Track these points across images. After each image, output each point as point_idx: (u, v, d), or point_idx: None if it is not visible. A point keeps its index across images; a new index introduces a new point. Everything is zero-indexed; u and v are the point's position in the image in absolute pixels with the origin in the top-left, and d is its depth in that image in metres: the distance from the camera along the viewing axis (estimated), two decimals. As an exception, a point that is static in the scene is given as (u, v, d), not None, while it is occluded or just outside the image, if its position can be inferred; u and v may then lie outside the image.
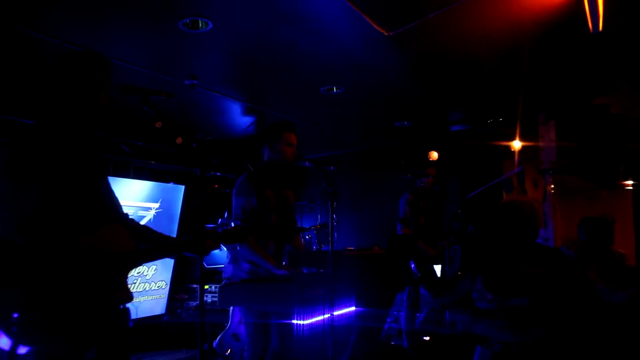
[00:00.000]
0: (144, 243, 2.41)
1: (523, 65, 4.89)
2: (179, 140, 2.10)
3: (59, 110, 2.14)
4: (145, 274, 6.82)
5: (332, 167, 3.39)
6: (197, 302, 6.53)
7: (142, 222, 5.41)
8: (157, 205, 7.03)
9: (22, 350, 1.83)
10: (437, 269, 5.78)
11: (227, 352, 5.56)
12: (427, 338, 4.71)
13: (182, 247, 2.28)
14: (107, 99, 2.19)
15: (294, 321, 3.21)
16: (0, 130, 4.89)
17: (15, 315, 1.73)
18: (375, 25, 3.70)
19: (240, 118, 6.13)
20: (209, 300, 6.41)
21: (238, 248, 3.44)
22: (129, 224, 2.44)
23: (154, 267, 6.93)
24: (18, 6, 3.27)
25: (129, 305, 2.28)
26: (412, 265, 5.51)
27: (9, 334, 1.77)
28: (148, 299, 6.91)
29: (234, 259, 3.61)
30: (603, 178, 5.20)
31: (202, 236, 2.39)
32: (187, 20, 3.59)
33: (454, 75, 4.98)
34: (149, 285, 6.93)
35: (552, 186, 5.67)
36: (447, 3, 3.56)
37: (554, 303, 2.44)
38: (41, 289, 1.94)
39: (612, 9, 3.84)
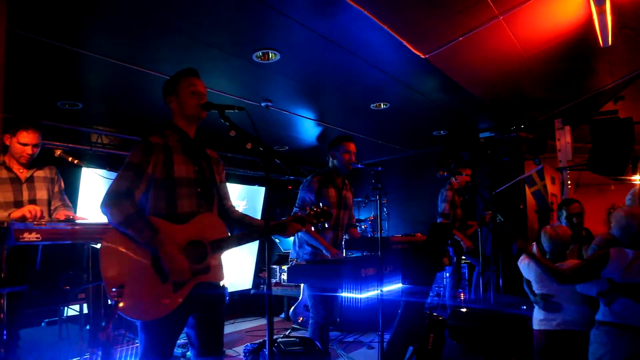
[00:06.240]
0: (239, 229, 2.33)
1: (540, 79, 4.58)
2: (249, 145, 2.00)
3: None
4: (237, 257, 6.88)
5: (380, 168, 3.25)
6: (275, 280, 6.52)
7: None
8: (244, 202, 7.09)
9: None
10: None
11: (299, 320, 5.49)
12: (464, 310, 4.46)
13: (271, 230, 2.17)
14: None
15: (350, 295, 3.07)
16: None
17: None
18: (412, 49, 3.51)
19: (305, 132, 6.06)
20: (285, 278, 6.34)
21: (300, 234, 3.35)
22: (229, 212, 2.37)
23: (245, 251, 6.99)
24: (144, 54, 3.47)
25: (223, 282, 2.21)
26: (451, 251, 5.27)
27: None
28: (239, 277, 6.97)
29: (299, 243, 3.54)
30: (614, 174, 4.79)
31: (288, 220, 2.29)
32: (260, 53, 3.55)
33: (480, 91, 4.69)
34: (240, 266, 7.00)
35: (569, 182, 5.32)
36: (471, 29, 3.35)
37: None
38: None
39: (618, 24, 3.51)
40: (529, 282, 3.29)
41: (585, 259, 2.86)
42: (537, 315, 3.19)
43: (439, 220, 5.28)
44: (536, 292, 3.20)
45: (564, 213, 3.63)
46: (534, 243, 3.46)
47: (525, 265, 3.26)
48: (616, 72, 4.80)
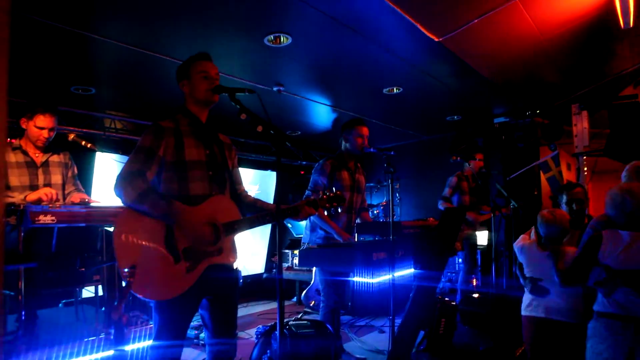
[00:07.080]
0: (251, 213, 2.32)
1: (557, 63, 4.48)
2: (260, 128, 1.98)
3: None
4: (250, 241, 6.93)
5: (392, 152, 3.22)
6: (287, 264, 6.57)
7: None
8: (256, 187, 7.13)
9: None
10: (483, 235, 5.47)
11: (311, 303, 5.53)
12: (476, 295, 4.45)
13: (283, 213, 2.19)
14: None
15: (362, 279, 3.07)
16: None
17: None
18: (426, 32, 3.45)
19: (318, 117, 6.03)
20: (297, 262, 6.37)
21: (312, 218, 3.36)
22: (241, 196, 2.37)
23: (257, 236, 7.04)
24: (155, 39, 3.43)
25: (236, 265, 2.23)
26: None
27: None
28: (252, 261, 7.03)
29: (312, 227, 3.55)
30: (632, 160, 4.69)
31: (301, 203, 2.29)
32: (271, 37, 3.52)
33: (495, 75, 4.61)
34: (253, 250, 7.05)
35: (585, 168, 5.23)
36: (486, 11, 3.27)
37: None
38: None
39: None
40: (521, 265, 3.16)
41: (579, 247, 2.58)
42: (525, 300, 3.05)
43: (439, 202, 5.26)
44: (527, 275, 3.06)
45: (564, 198, 3.40)
46: (532, 227, 3.26)
47: (519, 248, 3.14)
48: (637, 55, 4.67)
